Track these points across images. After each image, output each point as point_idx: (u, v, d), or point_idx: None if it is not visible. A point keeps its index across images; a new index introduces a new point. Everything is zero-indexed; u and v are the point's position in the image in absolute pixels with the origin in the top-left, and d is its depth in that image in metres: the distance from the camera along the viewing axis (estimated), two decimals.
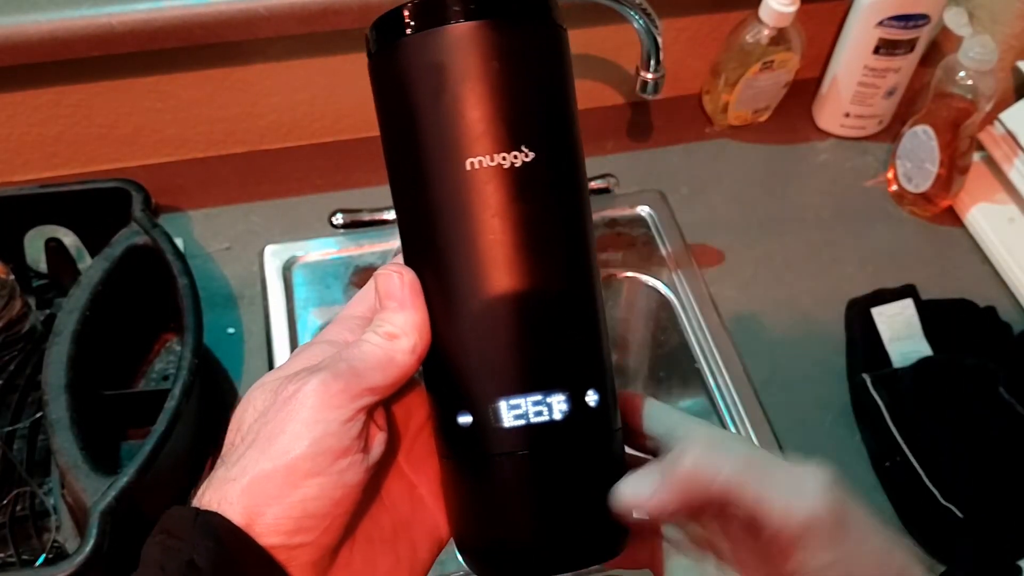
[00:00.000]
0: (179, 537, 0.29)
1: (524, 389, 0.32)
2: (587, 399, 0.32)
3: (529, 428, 0.32)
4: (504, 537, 0.33)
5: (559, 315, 0.32)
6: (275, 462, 0.30)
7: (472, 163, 0.31)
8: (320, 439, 0.30)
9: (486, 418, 0.32)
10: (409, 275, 0.33)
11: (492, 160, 0.31)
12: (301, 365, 0.33)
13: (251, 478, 0.30)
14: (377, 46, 0.33)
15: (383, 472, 0.35)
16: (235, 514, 0.29)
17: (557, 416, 0.32)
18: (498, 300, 0.31)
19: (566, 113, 0.33)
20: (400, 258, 0.35)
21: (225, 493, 0.30)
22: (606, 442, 0.34)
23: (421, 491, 0.36)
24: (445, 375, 0.33)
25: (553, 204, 0.32)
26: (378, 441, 0.32)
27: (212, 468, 0.32)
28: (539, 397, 0.32)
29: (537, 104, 0.32)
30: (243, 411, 0.32)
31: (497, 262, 0.31)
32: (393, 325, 0.32)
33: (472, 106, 0.31)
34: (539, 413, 0.32)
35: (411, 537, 0.35)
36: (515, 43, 0.32)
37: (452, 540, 0.36)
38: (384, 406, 0.33)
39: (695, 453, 0.31)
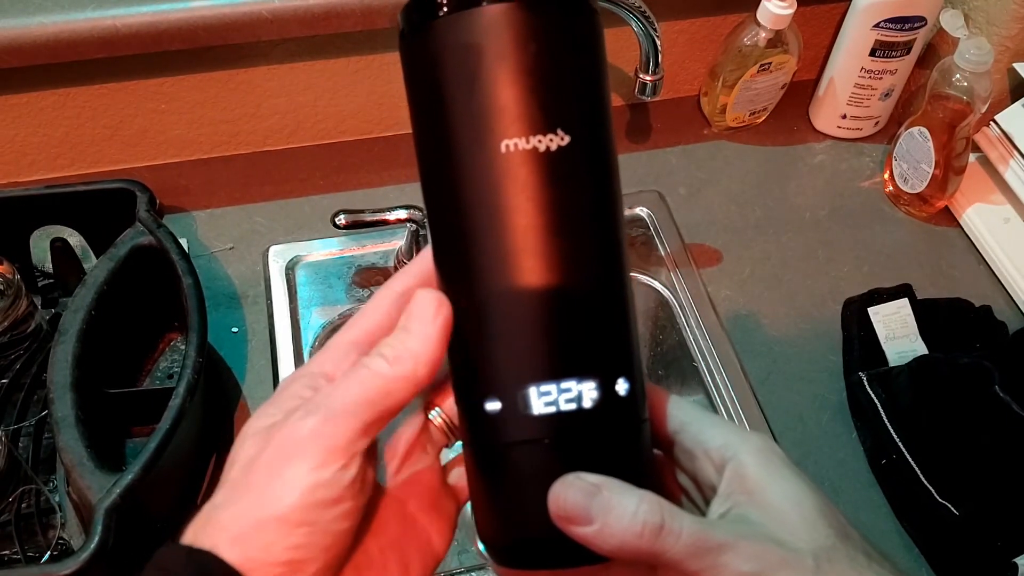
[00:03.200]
0: (175, 573, 0.29)
1: (555, 375, 0.31)
2: (617, 388, 0.32)
3: (559, 415, 0.31)
4: (528, 526, 0.32)
5: (592, 302, 0.32)
6: (266, 512, 0.30)
7: (507, 145, 0.30)
8: (313, 490, 0.30)
9: (514, 404, 0.31)
10: (447, 311, 0.32)
11: (527, 143, 0.30)
12: (290, 404, 0.32)
13: (241, 527, 0.30)
14: (410, 27, 0.32)
15: (372, 498, 0.34)
16: (226, 558, 0.29)
17: (587, 404, 0.31)
18: (531, 284, 0.31)
19: (601, 98, 0.33)
20: (419, 258, 0.34)
21: (216, 540, 0.30)
22: (634, 432, 0.33)
23: (411, 509, 0.35)
24: (473, 360, 0.32)
25: (588, 189, 0.32)
26: (371, 483, 0.32)
27: (214, 468, 0.32)
28: (570, 384, 0.31)
29: (573, 88, 0.31)
30: (238, 449, 0.32)
31: (531, 246, 0.31)
32: (404, 350, 0.31)
33: (508, 88, 0.30)
34: (569, 400, 0.31)
35: (403, 558, 0.34)
36: (552, 25, 0.31)
37: (451, 541, 0.35)
38: None
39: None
